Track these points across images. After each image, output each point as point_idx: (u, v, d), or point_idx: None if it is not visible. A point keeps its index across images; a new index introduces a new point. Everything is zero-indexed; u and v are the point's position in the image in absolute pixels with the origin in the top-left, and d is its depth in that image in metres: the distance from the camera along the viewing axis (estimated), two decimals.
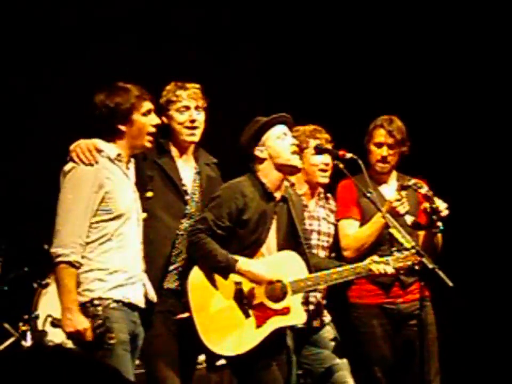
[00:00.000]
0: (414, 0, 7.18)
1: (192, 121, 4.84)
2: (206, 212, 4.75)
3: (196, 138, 4.88)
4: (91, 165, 4.23)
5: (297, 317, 4.78)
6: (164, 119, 4.86)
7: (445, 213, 5.05)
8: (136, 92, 4.39)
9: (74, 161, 4.25)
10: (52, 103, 6.44)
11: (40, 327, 6.10)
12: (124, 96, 4.36)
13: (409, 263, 4.87)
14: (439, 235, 5.33)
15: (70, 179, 4.25)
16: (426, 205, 5.10)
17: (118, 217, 4.27)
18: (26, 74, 6.39)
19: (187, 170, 4.91)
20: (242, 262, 4.68)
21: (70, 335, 4.16)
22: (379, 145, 5.46)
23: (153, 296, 4.46)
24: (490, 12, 7.07)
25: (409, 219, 5.18)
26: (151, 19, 6.72)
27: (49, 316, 5.89)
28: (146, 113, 4.41)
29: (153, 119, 4.44)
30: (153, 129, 4.43)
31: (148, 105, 4.42)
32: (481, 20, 7.08)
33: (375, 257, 4.92)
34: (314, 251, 5.26)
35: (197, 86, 4.92)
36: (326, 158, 5.31)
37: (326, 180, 5.35)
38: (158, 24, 6.73)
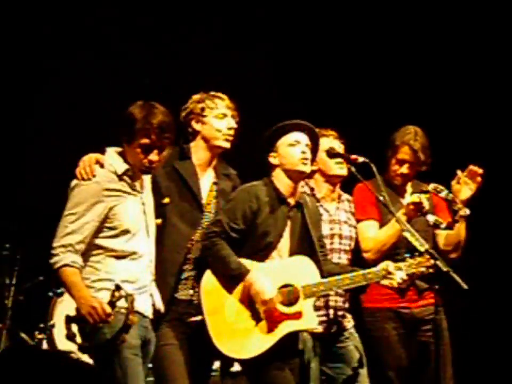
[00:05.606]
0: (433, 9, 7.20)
1: (230, 128, 4.88)
2: (220, 214, 4.77)
3: (229, 145, 4.90)
4: (89, 179, 4.26)
5: (309, 322, 4.77)
6: (195, 125, 4.90)
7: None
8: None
9: (76, 177, 4.30)
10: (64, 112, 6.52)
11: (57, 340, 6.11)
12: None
13: (422, 269, 4.86)
14: (463, 228, 5.33)
15: (73, 195, 4.28)
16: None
17: (123, 233, 4.29)
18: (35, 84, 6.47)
19: (206, 180, 4.91)
20: (252, 274, 4.68)
21: (87, 317, 4.09)
22: (402, 162, 5.44)
23: (160, 307, 4.47)
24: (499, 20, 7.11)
25: (431, 218, 5.18)
26: (163, 24, 6.77)
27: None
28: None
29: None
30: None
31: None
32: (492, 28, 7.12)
33: (390, 266, 4.88)
34: (336, 255, 5.27)
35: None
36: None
37: (345, 172, 5.28)
38: (171, 30, 6.79)
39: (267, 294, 4.65)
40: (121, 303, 4.15)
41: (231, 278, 4.69)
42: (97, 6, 6.68)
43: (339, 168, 5.29)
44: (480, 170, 5.29)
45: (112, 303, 4.12)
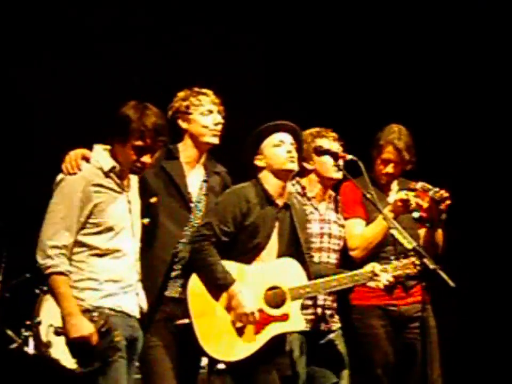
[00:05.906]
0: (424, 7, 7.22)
1: (217, 124, 4.86)
2: (210, 216, 4.74)
3: (218, 141, 4.88)
4: (74, 173, 4.23)
5: (296, 324, 4.76)
6: (181, 123, 4.88)
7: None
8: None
9: (62, 171, 4.27)
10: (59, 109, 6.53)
11: (43, 337, 6.11)
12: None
13: (407, 271, 4.88)
14: (440, 233, 5.34)
15: (59, 190, 4.25)
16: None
17: (107, 230, 4.26)
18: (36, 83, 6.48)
19: (194, 177, 4.89)
20: (236, 286, 4.65)
21: (74, 340, 4.11)
22: (386, 161, 5.45)
23: (143, 307, 4.44)
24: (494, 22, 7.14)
25: (417, 215, 5.18)
26: (153, 21, 6.77)
27: (51, 325, 5.89)
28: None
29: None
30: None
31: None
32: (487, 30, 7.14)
33: (376, 268, 4.89)
34: (325, 254, 5.27)
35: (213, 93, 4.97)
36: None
37: (340, 176, 5.26)
38: (162, 26, 6.79)
39: (246, 308, 4.62)
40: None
41: (215, 286, 4.68)
42: (97, 6, 6.67)
43: (336, 172, 5.26)
44: (446, 194, 5.18)
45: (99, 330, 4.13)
